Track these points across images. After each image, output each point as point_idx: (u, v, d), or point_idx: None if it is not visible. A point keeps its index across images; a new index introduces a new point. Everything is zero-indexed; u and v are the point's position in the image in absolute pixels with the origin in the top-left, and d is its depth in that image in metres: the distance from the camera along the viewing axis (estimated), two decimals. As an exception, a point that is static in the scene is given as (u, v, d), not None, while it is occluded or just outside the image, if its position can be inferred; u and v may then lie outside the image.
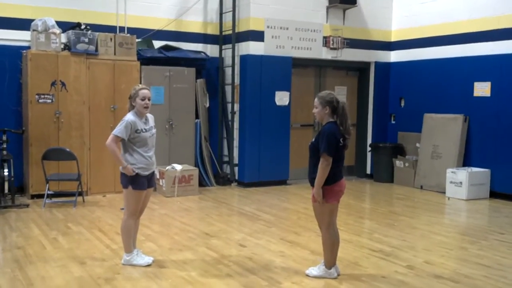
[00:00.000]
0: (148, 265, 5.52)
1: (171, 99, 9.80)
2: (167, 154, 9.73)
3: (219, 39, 10.72)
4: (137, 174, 5.38)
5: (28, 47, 8.83)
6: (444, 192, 9.77)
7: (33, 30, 8.68)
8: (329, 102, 5.07)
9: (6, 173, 8.18)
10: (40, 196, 8.48)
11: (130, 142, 5.38)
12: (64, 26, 9.03)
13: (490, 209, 9.00)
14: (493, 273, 5.53)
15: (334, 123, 5.05)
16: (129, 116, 5.39)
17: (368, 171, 11.84)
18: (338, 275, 5.30)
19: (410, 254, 6.15)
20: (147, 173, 5.49)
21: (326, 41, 10.96)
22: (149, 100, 5.45)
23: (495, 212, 8.72)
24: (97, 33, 9.08)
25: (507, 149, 9.40)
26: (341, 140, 5.02)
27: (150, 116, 5.63)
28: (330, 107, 5.06)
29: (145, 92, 5.42)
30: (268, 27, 10.30)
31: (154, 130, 5.61)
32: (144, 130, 5.43)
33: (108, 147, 5.35)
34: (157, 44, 10.04)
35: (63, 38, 8.99)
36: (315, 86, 11.43)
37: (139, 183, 5.41)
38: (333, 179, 5.07)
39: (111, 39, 9.16)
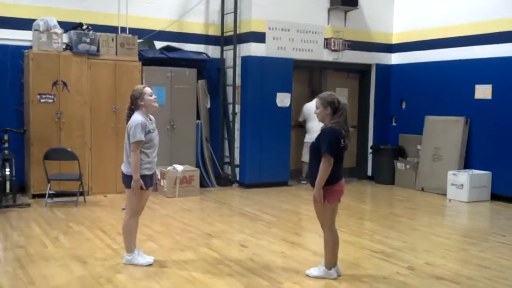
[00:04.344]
0: (149, 265, 5.52)
1: (172, 100, 9.80)
2: (169, 155, 9.73)
3: (221, 40, 10.73)
4: (142, 174, 5.39)
5: (30, 47, 8.83)
6: (445, 194, 9.76)
7: (35, 30, 8.68)
8: (331, 103, 5.09)
9: (7, 173, 8.19)
10: (42, 195, 8.47)
11: None
12: (66, 26, 9.03)
13: (491, 211, 9.01)
14: (494, 275, 5.53)
15: (336, 125, 5.05)
16: (139, 118, 5.36)
17: (369, 173, 11.84)
18: (339, 275, 5.30)
19: (411, 255, 6.14)
20: (150, 172, 5.51)
21: (327, 43, 10.96)
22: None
23: (496, 214, 8.73)
24: (99, 34, 9.08)
25: (508, 151, 9.40)
26: (342, 141, 5.04)
27: (152, 117, 5.64)
28: (331, 108, 5.08)
29: (149, 89, 5.49)
30: (269, 28, 10.31)
31: (156, 130, 5.64)
32: (152, 130, 5.46)
33: (135, 157, 5.28)
34: (159, 44, 10.04)
35: (65, 38, 8.99)
36: (316, 88, 11.43)
37: (143, 182, 5.41)
38: (333, 179, 5.07)
39: (112, 39, 9.16)
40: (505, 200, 9.37)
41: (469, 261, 5.99)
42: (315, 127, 10.52)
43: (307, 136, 10.63)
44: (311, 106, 10.45)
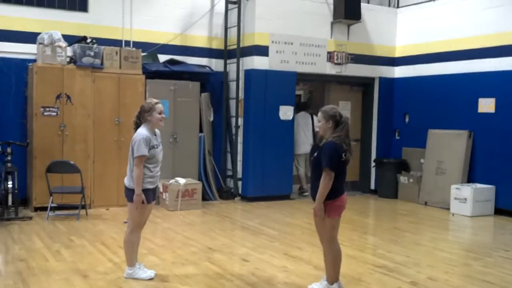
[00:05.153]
0: (151, 279, 5.50)
1: (175, 113, 9.82)
2: (171, 168, 9.72)
3: (224, 54, 10.76)
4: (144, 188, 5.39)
5: (34, 60, 8.89)
6: (449, 209, 9.72)
7: (39, 43, 8.74)
8: (332, 116, 5.06)
9: (10, 186, 8.20)
10: (44, 208, 8.47)
11: None
12: (70, 39, 9.09)
13: (495, 225, 8.95)
14: (497, 290, 5.50)
15: (337, 139, 5.02)
16: (144, 132, 5.38)
17: (372, 186, 11.80)
18: (341, 290, 5.26)
19: (414, 270, 6.10)
20: (153, 186, 5.51)
21: (330, 56, 10.98)
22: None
23: (500, 229, 8.68)
24: (103, 47, 9.14)
25: (512, 165, 9.38)
26: (343, 155, 5.01)
27: (157, 132, 5.64)
28: (333, 121, 5.05)
29: (161, 106, 5.49)
30: (273, 42, 10.33)
31: (161, 146, 5.64)
32: (156, 146, 5.46)
33: (138, 171, 5.30)
34: (162, 58, 10.09)
35: (69, 51, 9.04)
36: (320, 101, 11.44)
37: (145, 196, 5.40)
38: (334, 194, 5.03)
39: (116, 53, 9.21)
40: (509, 215, 9.31)
41: (472, 277, 5.94)
42: (300, 140, 11.04)
43: (299, 148, 11.03)
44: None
